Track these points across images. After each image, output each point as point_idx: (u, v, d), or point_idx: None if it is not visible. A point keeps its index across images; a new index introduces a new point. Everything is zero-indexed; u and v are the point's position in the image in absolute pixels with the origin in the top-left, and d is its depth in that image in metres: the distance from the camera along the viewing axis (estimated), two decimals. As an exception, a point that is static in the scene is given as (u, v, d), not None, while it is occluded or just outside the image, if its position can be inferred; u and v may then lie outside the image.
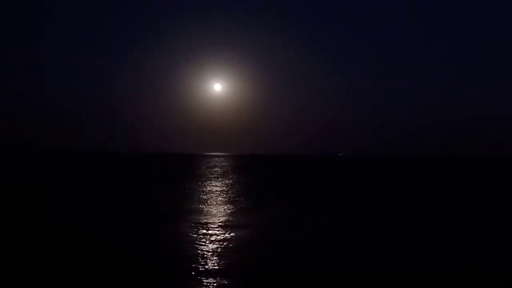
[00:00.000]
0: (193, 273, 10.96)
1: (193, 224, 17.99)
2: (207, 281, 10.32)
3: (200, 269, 11.32)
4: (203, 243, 14.43)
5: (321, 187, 39.51)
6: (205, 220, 19.10)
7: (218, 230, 16.81)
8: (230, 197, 29.38)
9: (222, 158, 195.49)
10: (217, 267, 11.54)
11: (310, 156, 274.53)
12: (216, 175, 56.24)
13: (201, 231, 16.60)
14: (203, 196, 29.44)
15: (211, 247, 13.88)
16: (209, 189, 35.37)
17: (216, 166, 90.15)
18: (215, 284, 9.99)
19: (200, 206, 24.20)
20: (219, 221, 19.05)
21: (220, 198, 28.32)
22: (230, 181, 46.19)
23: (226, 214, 21.18)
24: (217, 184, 41.22)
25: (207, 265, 11.74)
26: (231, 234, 16.08)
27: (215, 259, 12.36)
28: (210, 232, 16.47)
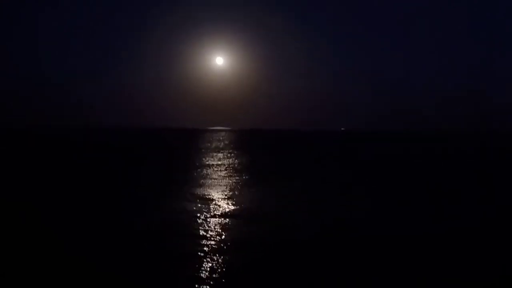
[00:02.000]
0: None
1: (195, 198, 18.28)
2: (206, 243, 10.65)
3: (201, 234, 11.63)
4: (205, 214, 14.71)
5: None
6: (208, 194, 19.38)
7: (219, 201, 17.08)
8: (231, 173, 29.61)
9: (224, 133, 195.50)
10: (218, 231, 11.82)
11: (311, 132, 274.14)
12: (220, 150, 56.43)
13: (203, 204, 16.86)
14: (206, 172, 29.69)
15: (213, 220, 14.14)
16: (212, 163, 35.61)
17: (219, 141, 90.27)
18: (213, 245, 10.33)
19: (204, 180, 24.45)
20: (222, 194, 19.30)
21: (222, 173, 28.56)
22: (234, 158, 46.36)
23: (231, 189, 21.39)
24: (220, 158, 41.45)
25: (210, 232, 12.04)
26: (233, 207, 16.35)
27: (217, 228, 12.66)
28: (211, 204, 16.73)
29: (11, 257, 10.12)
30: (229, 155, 47.52)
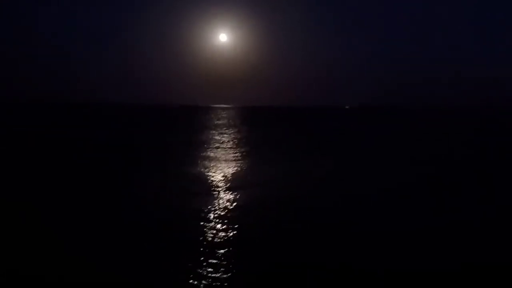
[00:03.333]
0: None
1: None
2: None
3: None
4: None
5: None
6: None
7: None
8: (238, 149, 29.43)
9: (226, 111, 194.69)
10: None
11: (316, 108, 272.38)
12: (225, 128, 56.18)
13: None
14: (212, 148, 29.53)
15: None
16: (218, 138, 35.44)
17: (223, 118, 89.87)
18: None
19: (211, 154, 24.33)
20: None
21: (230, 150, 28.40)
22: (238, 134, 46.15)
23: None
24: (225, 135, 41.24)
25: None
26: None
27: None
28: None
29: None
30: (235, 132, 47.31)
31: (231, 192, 14.21)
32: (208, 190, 14.54)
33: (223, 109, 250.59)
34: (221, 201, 12.93)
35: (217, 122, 72.46)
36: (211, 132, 45.17)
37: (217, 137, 37.96)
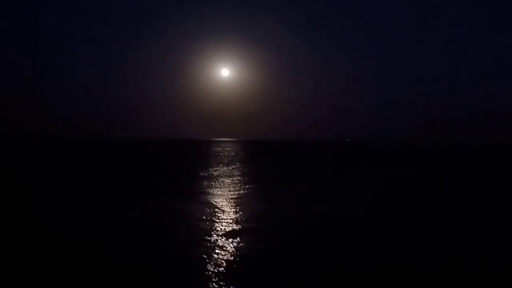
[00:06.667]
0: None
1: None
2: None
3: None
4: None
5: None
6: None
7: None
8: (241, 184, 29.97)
9: (231, 144, 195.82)
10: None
11: (317, 142, 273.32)
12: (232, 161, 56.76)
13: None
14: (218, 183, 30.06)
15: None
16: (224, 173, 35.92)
17: (229, 152, 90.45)
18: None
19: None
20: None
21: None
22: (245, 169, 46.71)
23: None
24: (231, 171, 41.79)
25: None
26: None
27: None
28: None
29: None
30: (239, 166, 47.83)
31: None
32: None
33: (225, 142, 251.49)
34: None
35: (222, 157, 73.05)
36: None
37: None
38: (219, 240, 13.19)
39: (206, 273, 10.11)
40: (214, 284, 9.40)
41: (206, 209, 18.54)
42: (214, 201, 20.92)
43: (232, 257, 11.35)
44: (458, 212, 18.50)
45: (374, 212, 18.13)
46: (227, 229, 14.62)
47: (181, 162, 58.27)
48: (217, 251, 11.92)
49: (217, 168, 45.13)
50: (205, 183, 29.88)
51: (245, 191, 25.24)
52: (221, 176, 35.07)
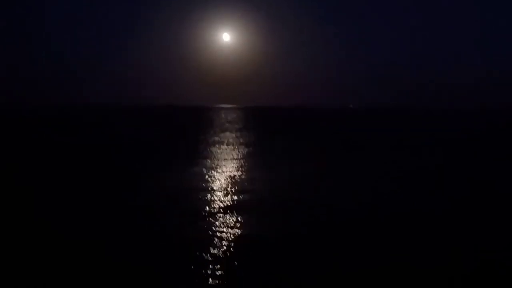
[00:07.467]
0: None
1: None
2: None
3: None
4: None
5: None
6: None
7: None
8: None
9: (231, 112, 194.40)
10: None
11: (318, 109, 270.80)
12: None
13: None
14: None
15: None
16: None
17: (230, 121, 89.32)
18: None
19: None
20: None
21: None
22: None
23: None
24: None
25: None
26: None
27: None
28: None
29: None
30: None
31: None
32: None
33: (226, 109, 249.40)
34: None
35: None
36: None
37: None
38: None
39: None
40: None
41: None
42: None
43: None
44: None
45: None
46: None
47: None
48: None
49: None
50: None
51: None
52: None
